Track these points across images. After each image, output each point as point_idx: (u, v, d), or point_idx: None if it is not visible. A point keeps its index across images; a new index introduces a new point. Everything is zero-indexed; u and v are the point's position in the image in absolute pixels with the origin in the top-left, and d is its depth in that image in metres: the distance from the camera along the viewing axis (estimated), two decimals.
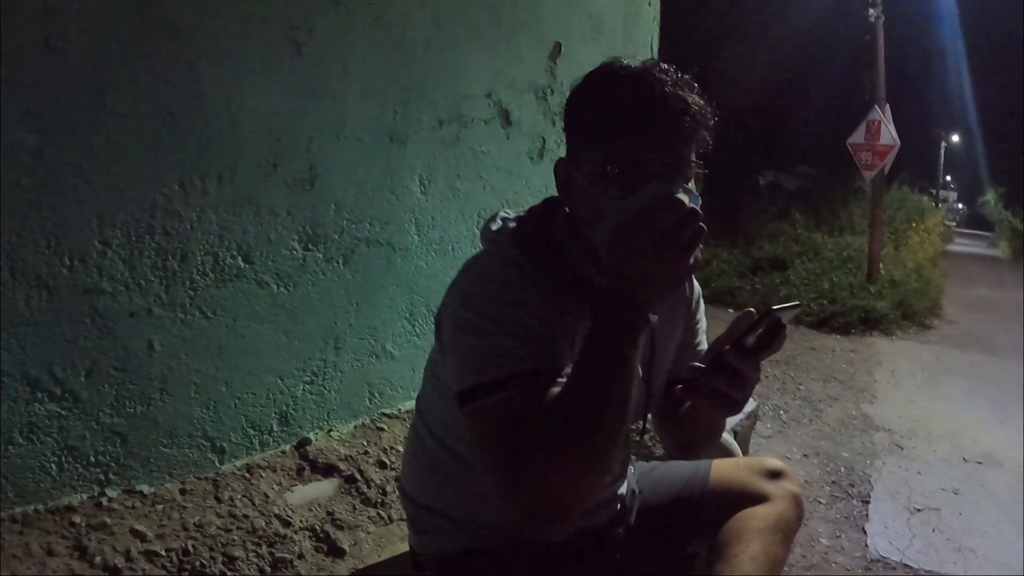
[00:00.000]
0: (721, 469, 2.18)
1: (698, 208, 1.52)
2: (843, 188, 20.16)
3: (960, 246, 37.84)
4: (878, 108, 13.40)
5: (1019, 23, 27.46)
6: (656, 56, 4.94)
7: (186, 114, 2.45)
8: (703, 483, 2.15)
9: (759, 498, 2.04)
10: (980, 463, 6.00)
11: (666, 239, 1.44)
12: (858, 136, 13.41)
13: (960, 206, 65.43)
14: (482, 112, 3.54)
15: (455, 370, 1.61)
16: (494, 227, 1.81)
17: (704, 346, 2.09)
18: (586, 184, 1.64)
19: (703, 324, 2.14)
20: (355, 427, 3.18)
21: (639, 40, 4.74)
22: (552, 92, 3.98)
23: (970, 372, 9.19)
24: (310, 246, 2.90)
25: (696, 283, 2.11)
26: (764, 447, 5.83)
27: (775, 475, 2.13)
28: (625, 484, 2.08)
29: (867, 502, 5.10)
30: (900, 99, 13.83)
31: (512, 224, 1.80)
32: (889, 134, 13.23)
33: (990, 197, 40.58)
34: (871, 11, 13.97)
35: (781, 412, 6.81)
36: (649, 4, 4.87)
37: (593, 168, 1.62)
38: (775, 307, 1.63)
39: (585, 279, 1.69)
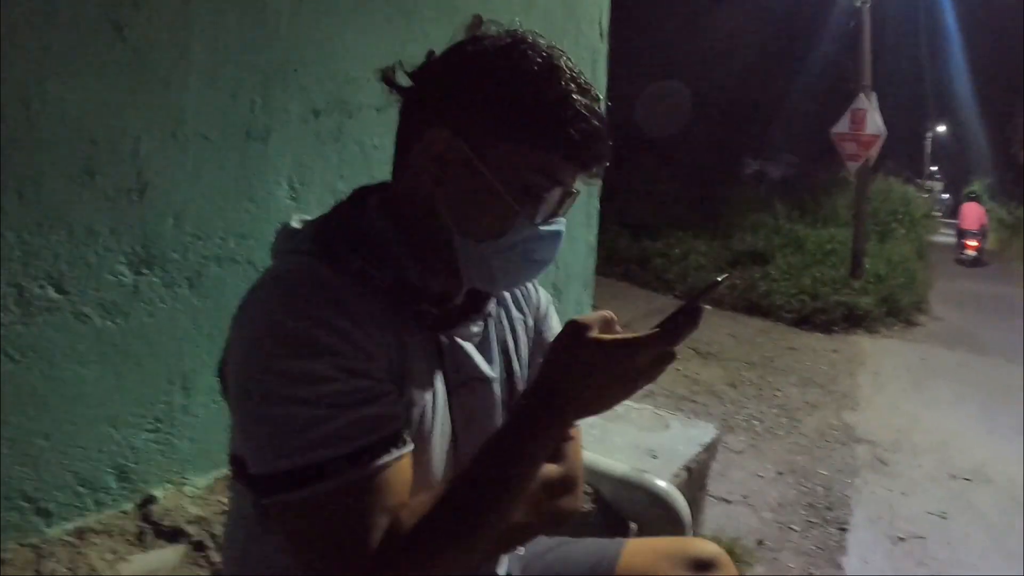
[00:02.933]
0: (634, 556, 1.74)
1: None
2: (827, 178, 19.81)
3: (946, 237, 37.91)
4: (863, 96, 12.98)
5: (1010, 12, 27.19)
6: (606, 37, 4.38)
7: None
8: (611, 572, 1.69)
9: None
10: (968, 480, 5.62)
11: (640, 379, 1.20)
12: (842, 126, 12.98)
13: (946, 196, 65.89)
14: (372, 98, 2.90)
15: (247, 447, 1.21)
16: (290, 232, 1.38)
17: None
18: (485, 175, 1.27)
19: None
20: (213, 480, 2.65)
21: (584, 16, 4.17)
22: None
23: (957, 374, 8.79)
24: (143, 269, 2.34)
25: (542, 290, 1.70)
26: (735, 463, 5.40)
27: (704, 566, 1.68)
28: (504, 566, 1.62)
29: (845, 529, 4.68)
30: (886, 88, 13.47)
31: (313, 226, 1.37)
32: (875, 123, 12.78)
33: (977, 188, 40.63)
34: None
35: (755, 422, 6.36)
36: None
37: (504, 161, 1.27)
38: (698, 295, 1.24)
39: (413, 283, 1.35)
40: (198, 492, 2.59)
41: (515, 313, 1.61)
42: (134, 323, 2.34)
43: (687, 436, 3.62)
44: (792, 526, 4.64)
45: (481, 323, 1.48)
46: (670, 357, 1.19)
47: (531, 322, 1.63)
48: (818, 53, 21.91)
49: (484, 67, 1.28)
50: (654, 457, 3.34)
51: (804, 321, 10.83)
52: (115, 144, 2.22)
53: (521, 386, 1.56)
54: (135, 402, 2.40)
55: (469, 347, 1.44)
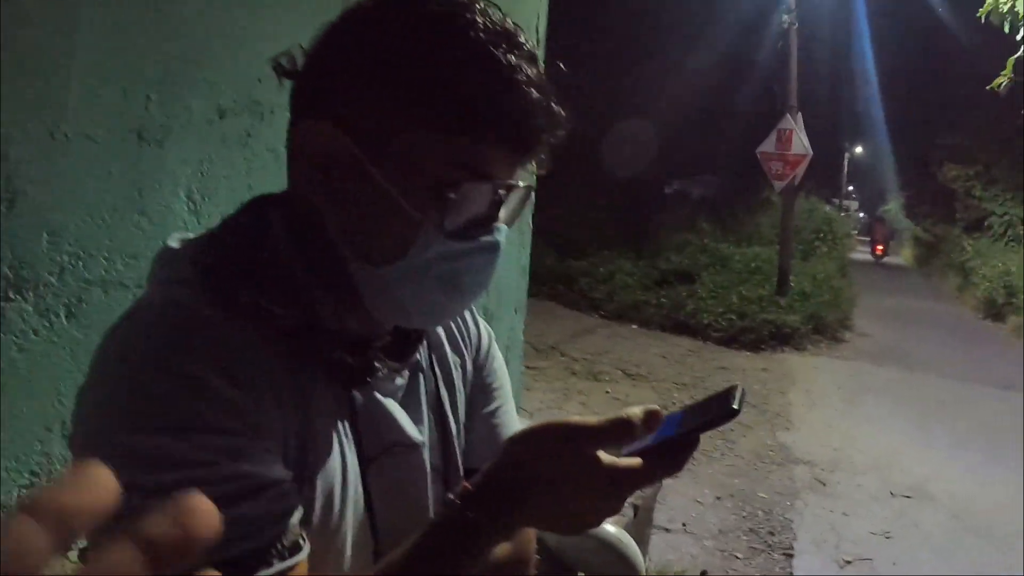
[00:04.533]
0: None
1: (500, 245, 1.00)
2: (751, 198, 19.96)
3: (863, 255, 38.90)
4: (790, 116, 13.03)
5: (924, 36, 27.93)
6: (542, 39, 4.13)
7: None
8: None
9: None
10: (909, 497, 5.54)
11: (616, 503, 0.93)
12: (769, 145, 13.01)
13: (862, 215, 67.63)
14: (287, 98, 2.61)
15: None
16: (169, 256, 1.02)
17: (508, 418, 1.31)
18: (378, 177, 0.92)
19: (502, 383, 1.33)
20: None
21: (520, 14, 3.92)
22: None
23: (888, 390, 8.77)
24: (12, 295, 1.98)
25: (483, 322, 1.31)
26: (673, 489, 5.19)
27: None
28: None
29: (790, 555, 4.52)
30: (806, 109, 13.54)
31: (194, 248, 1.01)
32: (801, 143, 12.83)
33: (892, 206, 41.64)
34: (785, 17, 13.72)
35: None
36: None
37: (401, 156, 0.92)
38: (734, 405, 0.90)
39: (324, 324, 1.00)
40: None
41: (450, 356, 1.25)
42: (2, 360, 1.98)
43: None
44: (736, 553, 4.48)
45: (407, 373, 1.13)
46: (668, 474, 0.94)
47: (469, 365, 1.28)
48: (742, 75, 22.08)
49: (369, 32, 0.96)
50: None
51: (732, 340, 10.74)
52: None
53: (458, 450, 1.21)
54: (6, 453, 2.05)
55: (391, 404, 1.10)
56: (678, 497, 5.13)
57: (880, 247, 34.95)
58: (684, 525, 4.76)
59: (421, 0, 0.93)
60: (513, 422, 1.29)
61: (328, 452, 0.99)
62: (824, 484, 5.62)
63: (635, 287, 12.98)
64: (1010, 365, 11.01)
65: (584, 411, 6.62)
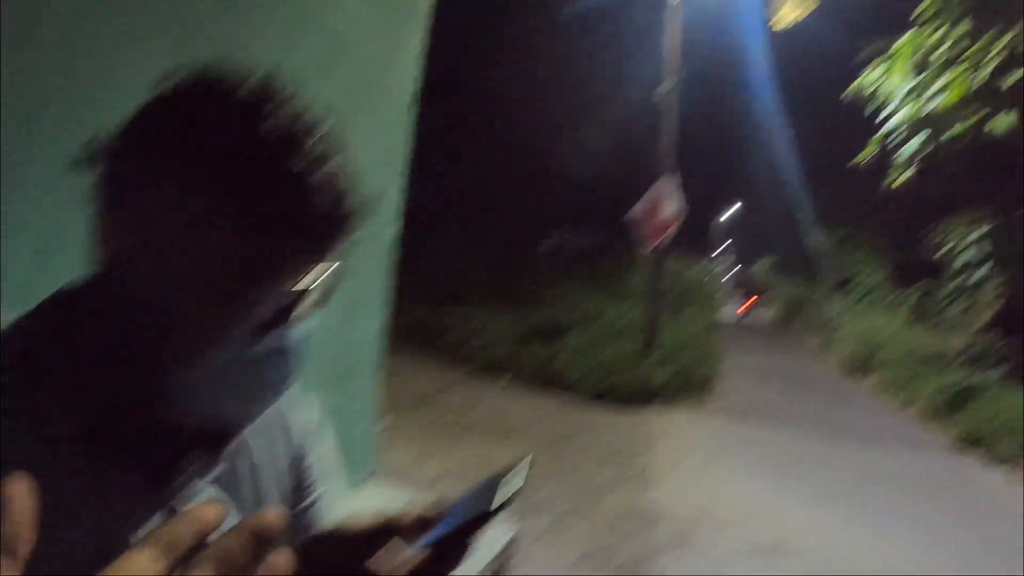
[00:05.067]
0: None
1: None
2: (626, 253, 20.23)
3: (735, 311, 40.05)
4: (663, 180, 13.23)
5: (796, 106, 29.24)
6: (417, 95, 3.98)
7: None
8: None
9: None
10: (773, 552, 5.56)
11: None
12: (640, 209, 13.18)
13: (736, 270, 70.01)
14: None
15: None
16: None
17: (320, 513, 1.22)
18: (156, 269, 0.89)
19: (319, 477, 1.23)
20: None
21: (396, 75, 3.77)
22: None
23: (751, 446, 8.88)
24: None
25: (310, 400, 1.19)
26: (534, 550, 5.04)
27: None
28: None
29: None
30: (683, 169, 13.83)
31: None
32: (672, 207, 13.02)
33: (764, 264, 43.03)
34: (663, 85, 13.99)
35: (555, 503, 6.04)
36: (414, 35, 3.88)
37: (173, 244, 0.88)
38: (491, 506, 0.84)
39: (125, 421, 0.88)
40: None
41: (266, 447, 1.13)
42: None
43: (484, 539, 3.24)
44: None
45: (219, 470, 1.01)
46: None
47: (289, 459, 1.17)
48: (626, 129, 22.47)
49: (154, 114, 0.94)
50: None
51: (600, 396, 10.72)
52: None
53: None
54: None
55: (209, 492, 0.95)
56: (542, 557, 5.02)
57: (751, 304, 36.32)
58: None
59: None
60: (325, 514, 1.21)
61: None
62: (688, 540, 5.59)
63: (507, 340, 12.87)
64: (868, 422, 11.42)
65: (446, 471, 6.44)
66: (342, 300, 2.98)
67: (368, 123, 3.44)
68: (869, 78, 12.30)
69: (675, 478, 7.17)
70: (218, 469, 0.99)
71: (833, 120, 18.51)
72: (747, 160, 41.97)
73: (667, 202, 13.05)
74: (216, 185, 0.83)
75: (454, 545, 0.84)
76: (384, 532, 0.87)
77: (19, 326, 0.91)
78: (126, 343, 0.86)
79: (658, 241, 13.18)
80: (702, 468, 7.69)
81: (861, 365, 17.25)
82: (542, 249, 25.80)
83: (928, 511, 6.93)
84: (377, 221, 3.52)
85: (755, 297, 39.24)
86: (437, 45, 4.10)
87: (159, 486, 0.91)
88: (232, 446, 1.00)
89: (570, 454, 7.61)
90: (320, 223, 0.87)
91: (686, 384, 12.01)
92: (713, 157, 34.20)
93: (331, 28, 3.24)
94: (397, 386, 8.04)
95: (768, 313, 38.93)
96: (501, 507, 0.81)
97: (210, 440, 0.93)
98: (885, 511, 6.75)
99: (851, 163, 13.33)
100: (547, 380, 11.20)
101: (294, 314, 0.88)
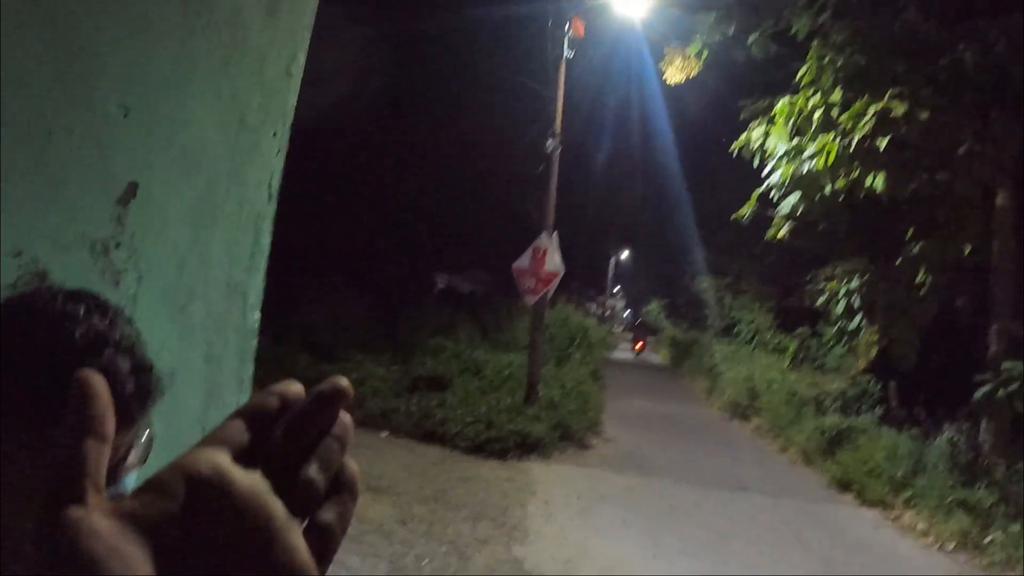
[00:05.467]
0: None
1: None
2: (511, 300, 20.36)
3: (625, 351, 40.49)
4: (545, 235, 13.43)
5: (683, 161, 30.06)
6: (274, 196, 4.07)
7: None
8: None
9: None
10: None
11: None
12: (524, 261, 13.36)
13: (627, 313, 70.73)
14: (7, 276, 2.45)
15: None
16: None
17: None
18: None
19: None
20: None
21: (252, 179, 3.82)
22: (118, 245, 2.98)
23: (625, 497, 9.04)
24: None
25: None
26: None
27: None
28: None
29: None
30: (574, 214, 14.05)
31: None
32: (554, 262, 13.24)
33: (654, 308, 43.77)
34: (549, 142, 14.18)
35: (424, 562, 6.11)
36: (274, 135, 3.95)
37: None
38: None
39: None
40: None
41: None
42: None
43: None
44: None
45: None
46: None
47: None
48: (514, 172, 22.62)
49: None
50: None
51: (479, 449, 10.76)
52: None
53: None
54: None
55: None
56: None
57: (640, 345, 37.36)
58: None
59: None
60: None
61: None
62: None
63: (387, 393, 12.83)
64: (745, 466, 11.72)
65: None
66: (204, 384, 3.09)
67: (227, 221, 3.52)
68: (753, 135, 12.76)
69: (547, 532, 7.28)
70: None
71: (722, 172, 19.08)
72: (637, 209, 42.82)
73: (550, 256, 13.25)
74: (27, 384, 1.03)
75: None
76: None
77: None
78: None
79: (540, 292, 13.35)
80: (574, 521, 7.80)
81: (743, 409, 17.73)
82: (433, 292, 25.83)
83: (799, 558, 7.19)
84: (241, 307, 3.60)
85: (643, 342, 40.13)
86: (320, 104, 4.23)
87: None
88: None
89: (444, 511, 7.65)
90: (127, 404, 1.08)
91: (566, 434, 12.15)
92: (601, 207, 34.85)
93: (183, 146, 3.32)
94: None
95: (656, 356, 39.60)
96: None
97: None
98: (754, 562, 6.96)
99: (733, 217, 13.81)
100: (427, 433, 11.22)
101: (123, 469, 1.11)
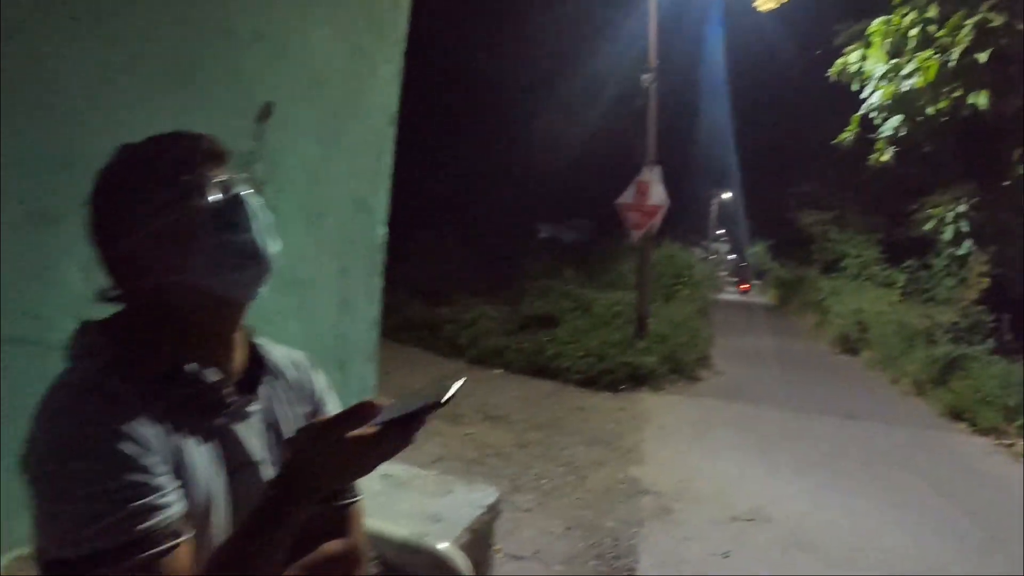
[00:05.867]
0: None
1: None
2: (615, 244, 20.42)
3: (731, 295, 40.21)
4: (648, 169, 13.47)
5: (782, 90, 29.42)
6: (394, 118, 4.32)
7: None
8: None
9: None
10: (750, 520, 5.81)
11: (375, 462, 1.31)
12: (627, 196, 13.44)
13: (732, 257, 70.00)
14: None
15: (40, 537, 1.30)
16: (80, 334, 1.48)
17: None
18: (148, 241, 1.41)
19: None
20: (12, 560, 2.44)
21: (374, 102, 4.08)
22: (258, 160, 3.30)
23: (736, 424, 9.13)
24: None
25: (319, 373, 1.75)
26: (523, 522, 5.37)
27: None
28: None
29: None
30: (673, 158, 14.06)
31: (95, 332, 1.47)
32: (658, 195, 13.28)
33: (758, 249, 43.27)
34: (644, 77, 14.15)
35: (543, 481, 6.35)
36: (390, 61, 4.21)
37: (149, 213, 1.41)
38: (449, 392, 1.26)
39: (189, 374, 1.43)
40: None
41: (291, 397, 1.64)
42: None
43: (469, 500, 3.59)
44: None
45: (256, 405, 1.53)
46: (406, 444, 1.28)
47: (309, 408, 1.67)
48: (613, 120, 22.58)
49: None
50: (437, 521, 3.29)
51: (591, 382, 10.98)
52: None
53: None
54: None
55: (244, 431, 1.50)
56: (530, 529, 5.31)
57: (745, 286, 36.97)
58: (535, 553, 4.94)
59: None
60: None
61: (200, 468, 1.38)
62: (669, 512, 5.86)
63: (498, 332, 13.18)
64: (856, 396, 11.65)
65: (444, 452, 6.76)
66: (338, 295, 3.39)
67: (351, 142, 3.81)
68: (850, 59, 12.51)
69: (661, 455, 7.46)
70: (255, 406, 1.53)
71: (821, 101, 18.66)
72: (735, 148, 42.27)
73: (654, 189, 13.30)
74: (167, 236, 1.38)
75: (400, 427, 1.24)
76: (349, 414, 1.29)
77: (116, 320, 1.48)
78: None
79: (646, 228, 13.41)
80: (687, 446, 7.96)
81: (852, 343, 17.53)
82: (541, 239, 26.01)
83: (909, 480, 7.19)
84: (368, 223, 3.85)
85: (748, 283, 39.70)
86: (423, 50, 4.43)
87: (211, 415, 1.44)
88: (267, 389, 1.58)
89: (560, 436, 7.91)
90: (248, 270, 1.42)
91: (676, 367, 12.28)
92: (703, 147, 34.59)
93: (309, 70, 3.60)
94: (395, 378, 8.36)
95: (762, 296, 39.18)
96: (438, 404, 1.22)
97: (251, 384, 1.56)
98: (865, 481, 7.00)
99: (833, 142, 13.59)
100: (539, 368, 11.52)
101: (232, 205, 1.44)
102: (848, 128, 13.05)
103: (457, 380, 1.29)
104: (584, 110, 23.70)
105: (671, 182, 13.72)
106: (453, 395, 1.23)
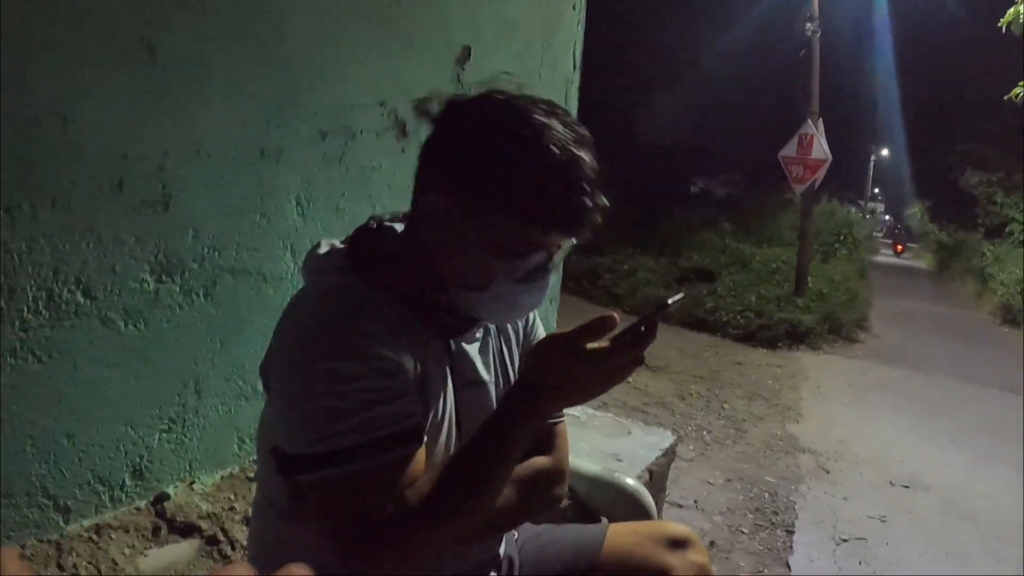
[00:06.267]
0: (617, 537, 1.93)
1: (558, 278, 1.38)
2: (772, 199, 20.17)
3: (886, 257, 38.87)
4: (811, 122, 13.29)
5: (944, 45, 28.17)
6: (578, 64, 4.61)
7: (9, 130, 2.04)
8: (596, 554, 1.88)
9: (659, 572, 1.79)
10: (907, 487, 5.86)
11: (610, 380, 1.35)
12: (790, 149, 13.28)
13: (887, 218, 67.38)
14: (373, 123, 3.12)
15: (286, 432, 1.40)
16: (322, 252, 1.56)
17: None
18: (472, 239, 1.42)
19: None
20: (220, 478, 2.80)
21: (560, 47, 4.38)
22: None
23: (895, 388, 9.10)
24: (164, 277, 2.49)
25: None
26: (685, 471, 5.59)
27: (679, 544, 1.88)
28: (503, 546, 1.82)
29: (791, 532, 4.89)
30: (832, 113, 13.80)
31: (342, 246, 1.57)
32: (821, 148, 13.09)
33: (916, 210, 41.56)
34: (808, 25, 13.89)
35: (704, 432, 6.58)
36: (574, 8, 4.50)
37: (489, 230, 1.40)
38: (670, 300, 1.40)
39: (429, 295, 1.51)
40: (207, 490, 2.73)
41: (511, 326, 1.76)
42: (153, 328, 2.48)
43: (647, 442, 3.82)
44: (741, 529, 4.84)
45: (482, 330, 1.65)
46: (639, 362, 1.33)
47: (522, 335, 1.79)
48: (769, 76, 22.17)
49: (477, 139, 1.40)
50: (618, 460, 3.52)
51: (749, 337, 11.05)
52: (143, 158, 2.36)
53: None
54: (151, 403, 2.54)
55: (473, 352, 1.62)
56: (691, 478, 5.54)
57: (900, 248, 35.62)
58: (696, 502, 5.15)
59: (515, 122, 1.38)
60: None
61: (435, 383, 1.49)
62: (827, 472, 5.98)
63: (656, 284, 13.28)
64: (1017, 369, 11.26)
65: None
66: None
67: (543, 84, 4.14)
68: (1022, 8, 11.91)
69: (819, 415, 7.55)
70: (482, 330, 1.63)
71: (988, 54, 17.82)
72: (895, 104, 40.70)
73: (817, 143, 13.13)
74: (514, 189, 1.37)
75: (633, 340, 1.32)
76: (589, 327, 1.32)
77: (360, 239, 1.55)
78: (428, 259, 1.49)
79: (808, 182, 13.27)
80: (845, 406, 8.03)
81: (1016, 314, 16.85)
82: (694, 193, 25.80)
83: None
84: None
85: (903, 245, 38.24)
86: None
87: (450, 335, 1.54)
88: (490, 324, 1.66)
89: (720, 389, 8.09)
90: (581, 215, 1.39)
91: (835, 327, 12.18)
92: (861, 103, 33.42)
93: (504, 15, 3.90)
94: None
95: (918, 260, 37.74)
96: (664, 306, 1.34)
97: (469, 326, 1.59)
98: None
99: (1006, 98, 12.95)
100: (698, 321, 11.59)
101: (550, 267, 1.47)
102: (1021, 83, 12.47)
103: (678, 293, 1.42)
104: (740, 61, 23.30)
105: (830, 137, 13.50)
106: (677, 301, 1.41)
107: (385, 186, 3.19)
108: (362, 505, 1.33)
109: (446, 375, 1.54)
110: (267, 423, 1.52)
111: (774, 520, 5.03)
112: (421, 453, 1.41)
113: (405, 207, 1.56)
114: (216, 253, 2.62)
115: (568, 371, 1.33)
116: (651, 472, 3.56)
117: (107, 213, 2.30)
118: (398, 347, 1.40)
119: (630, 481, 3.01)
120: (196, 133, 2.50)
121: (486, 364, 1.65)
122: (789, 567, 4.42)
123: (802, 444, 6.57)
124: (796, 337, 11.22)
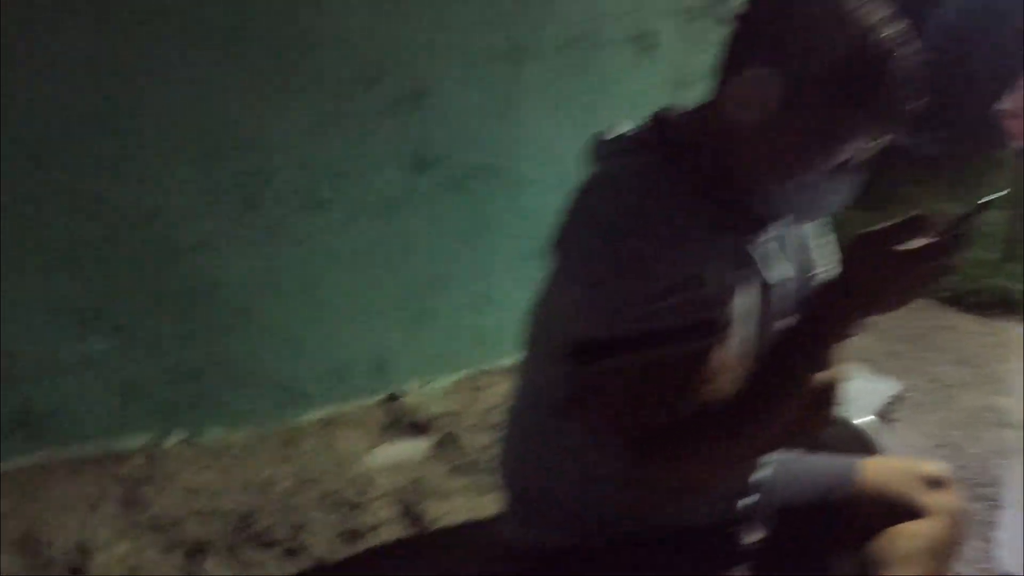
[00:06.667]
0: (873, 472, 1.89)
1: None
2: (981, 157, 19.05)
3: None
4: None
5: None
6: None
7: (264, 19, 2.09)
8: (851, 487, 1.83)
9: (915, 512, 1.75)
10: None
11: (920, 282, 1.40)
12: (1010, 102, 12.44)
13: None
14: (618, 33, 3.05)
15: (574, 316, 1.44)
16: (617, 134, 1.58)
17: None
18: (787, 121, 1.41)
19: None
20: (454, 382, 2.86)
21: None
22: (704, 16, 3.47)
23: None
24: (414, 172, 2.51)
25: None
26: (895, 435, 5.40)
27: (936, 484, 1.83)
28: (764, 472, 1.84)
29: (995, 508, 4.72)
30: None
31: (640, 131, 1.58)
32: None
33: None
34: None
35: (911, 394, 6.31)
36: None
37: (806, 110, 1.40)
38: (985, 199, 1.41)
39: (731, 189, 1.52)
40: (440, 392, 2.79)
41: (806, 227, 1.78)
42: (400, 224, 2.51)
43: (875, 387, 3.76)
44: None
45: (780, 229, 1.66)
46: (950, 271, 1.39)
47: (816, 241, 1.82)
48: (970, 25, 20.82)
49: (810, 17, 1.37)
50: (847, 401, 3.47)
51: (956, 300, 10.49)
52: (397, 54, 2.38)
53: (813, 285, 1.72)
54: (393, 299, 2.59)
55: (773, 249, 1.61)
56: (898, 439, 5.36)
57: None
58: None
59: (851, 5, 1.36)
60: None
61: (731, 280, 1.49)
62: None
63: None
64: None
65: None
66: None
67: None
68: None
69: None
70: (770, 236, 1.61)
71: None
72: None
73: None
74: (848, 77, 1.36)
75: (944, 244, 1.33)
76: (902, 227, 1.39)
77: (655, 125, 1.57)
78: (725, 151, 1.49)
79: None
80: None
81: None
82: (891, 151, 24.73)
83: None
84: None
85: None
86: None
87: (746, 233, 1.54)
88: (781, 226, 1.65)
89: (925, 352, 7.78)
90: (901, 105, 1.43)
91: None
92: None
93: None
94: None
95: None
96: (980, 208, 1.34)
97: (773, 220, 1.60)
98: None
99: None
100: None
101: (856, 163, 1.49)
102: None
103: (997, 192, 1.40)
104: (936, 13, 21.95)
105: None
106: (992, 200, 1.32)
107: (626, 98, 3.13)
108: (658, 395, 1.35)
109: (742, 274, 1.53)
110: (550, 312, 1.52)
111: (978, 492, 4.88)
112: (716, 351, 1.41)
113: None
114: (465, 151, 2.62)
115: (881, 272, 1.38)
116: (880, 417, 3.49)
117: (359, 105, 2.34)
118: (692, 237, 1.42)
119: (862, 421, 2.96)
120: (449, 32, 2.50)
121: (788, 260, 1.66)
122: (991, 542, 4.30)
123: (1008, 419, 6.23)
124: (1007, 305, 10.58)
